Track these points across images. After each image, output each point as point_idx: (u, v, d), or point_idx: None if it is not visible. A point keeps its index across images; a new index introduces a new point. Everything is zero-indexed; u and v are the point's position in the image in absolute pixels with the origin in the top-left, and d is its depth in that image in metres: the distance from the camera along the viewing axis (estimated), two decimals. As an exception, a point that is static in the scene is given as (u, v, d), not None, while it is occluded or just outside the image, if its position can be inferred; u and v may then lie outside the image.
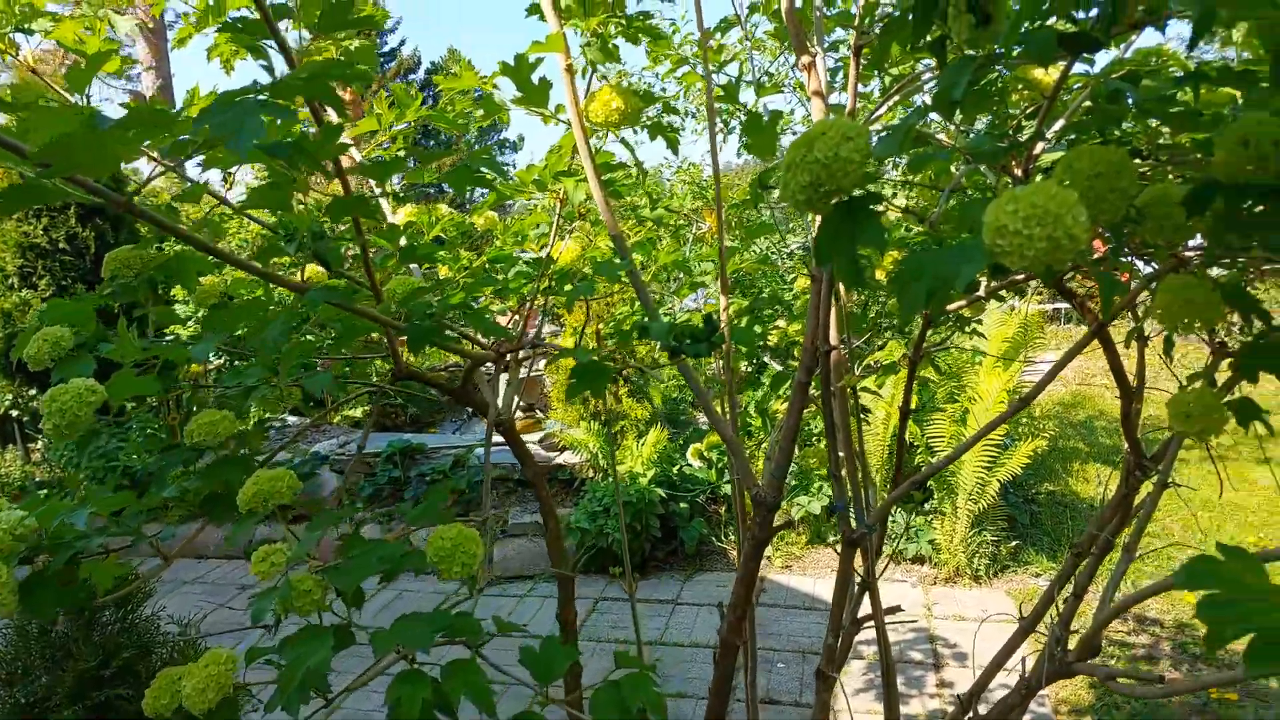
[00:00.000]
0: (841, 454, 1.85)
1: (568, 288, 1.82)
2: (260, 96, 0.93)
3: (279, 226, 1.33)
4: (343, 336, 1.48)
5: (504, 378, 1.85)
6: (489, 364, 1.72)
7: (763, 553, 1.72)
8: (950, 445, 5.16)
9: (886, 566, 5.26)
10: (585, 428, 5.76)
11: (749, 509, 1.86)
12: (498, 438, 1.66)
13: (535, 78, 1.69)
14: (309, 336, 1.72)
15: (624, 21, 1.69)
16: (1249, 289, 1.45)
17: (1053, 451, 6.94)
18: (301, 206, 2.43)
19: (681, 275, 2.81)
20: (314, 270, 1.97)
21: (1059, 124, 1.50)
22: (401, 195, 2.45)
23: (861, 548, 1.87)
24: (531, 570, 5.71)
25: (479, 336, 1.82)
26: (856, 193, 0.95)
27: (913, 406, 5.06)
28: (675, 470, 5.64)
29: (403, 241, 1.76)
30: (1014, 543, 5.22)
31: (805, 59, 1.63)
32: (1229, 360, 1.16)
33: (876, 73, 2.19)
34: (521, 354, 1.83)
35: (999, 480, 5.02)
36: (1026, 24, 1.03)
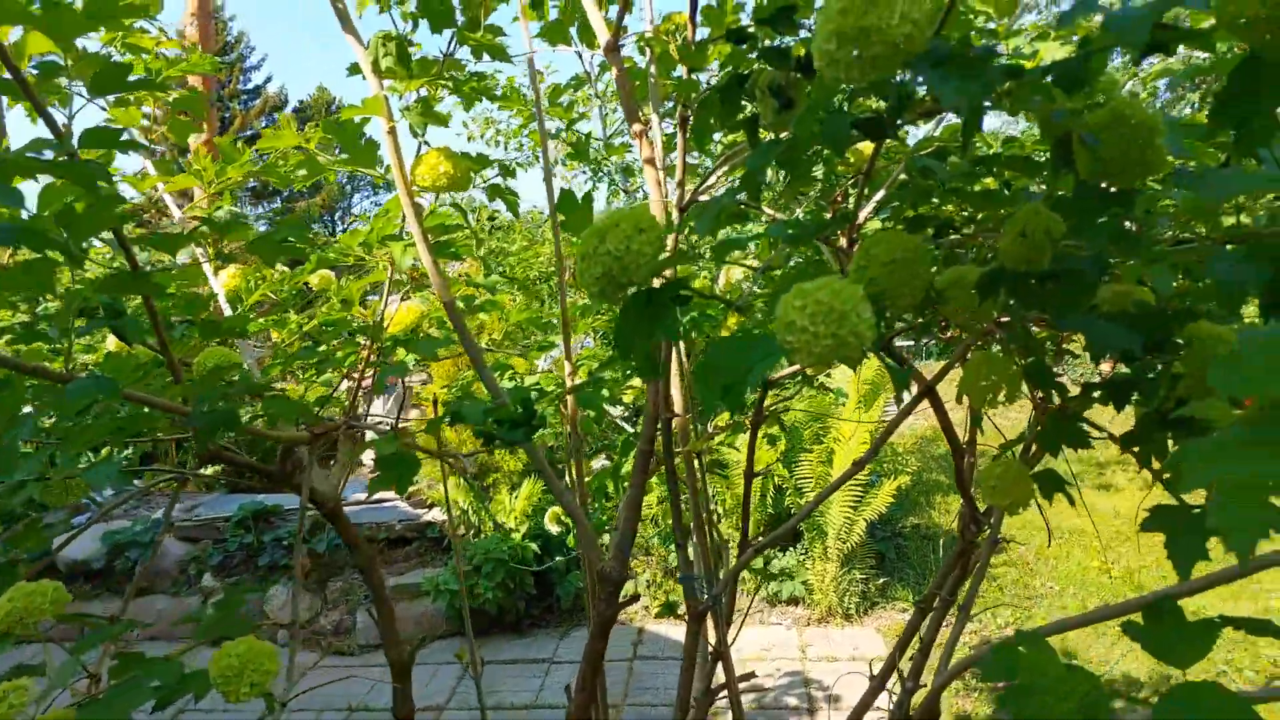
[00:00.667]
0: (705, 514, 1.82)
1: (400, 355, 1.72)
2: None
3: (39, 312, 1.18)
4: (124, 426, 1.33)
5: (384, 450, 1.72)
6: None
7: (609, 631, 1.65)
8: (818, 486, 5.28)
9: (760, 610, 5.30)
10: (455, 483, 5.56)
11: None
12: (362, 496, 1.53)
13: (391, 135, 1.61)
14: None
15: (451, 83, 1.63)
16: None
17: (916, 485, 7.23)
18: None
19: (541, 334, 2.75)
20: (118, 344, 1.79)
21: (881, 193, 1.54)
22: (228, 254, 2.28)
23: (714, 612, 1.83)
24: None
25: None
26: (658, 282, 0.92)
27: (773, 458, 5.16)
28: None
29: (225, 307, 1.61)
30: (882, 580, 5.37)
31: (637, 126, 1.62)
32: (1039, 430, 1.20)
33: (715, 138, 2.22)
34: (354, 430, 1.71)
35: (865, 519, 5.16)
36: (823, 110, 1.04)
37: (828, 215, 1.63)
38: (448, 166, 1.58)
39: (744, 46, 1.19)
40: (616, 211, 0.84)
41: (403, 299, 1.98)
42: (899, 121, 0.95)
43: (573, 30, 1.97)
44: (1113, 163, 0.94)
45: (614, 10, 1.77)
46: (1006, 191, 1.27)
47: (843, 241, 1.58)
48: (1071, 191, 1.00)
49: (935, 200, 1.45)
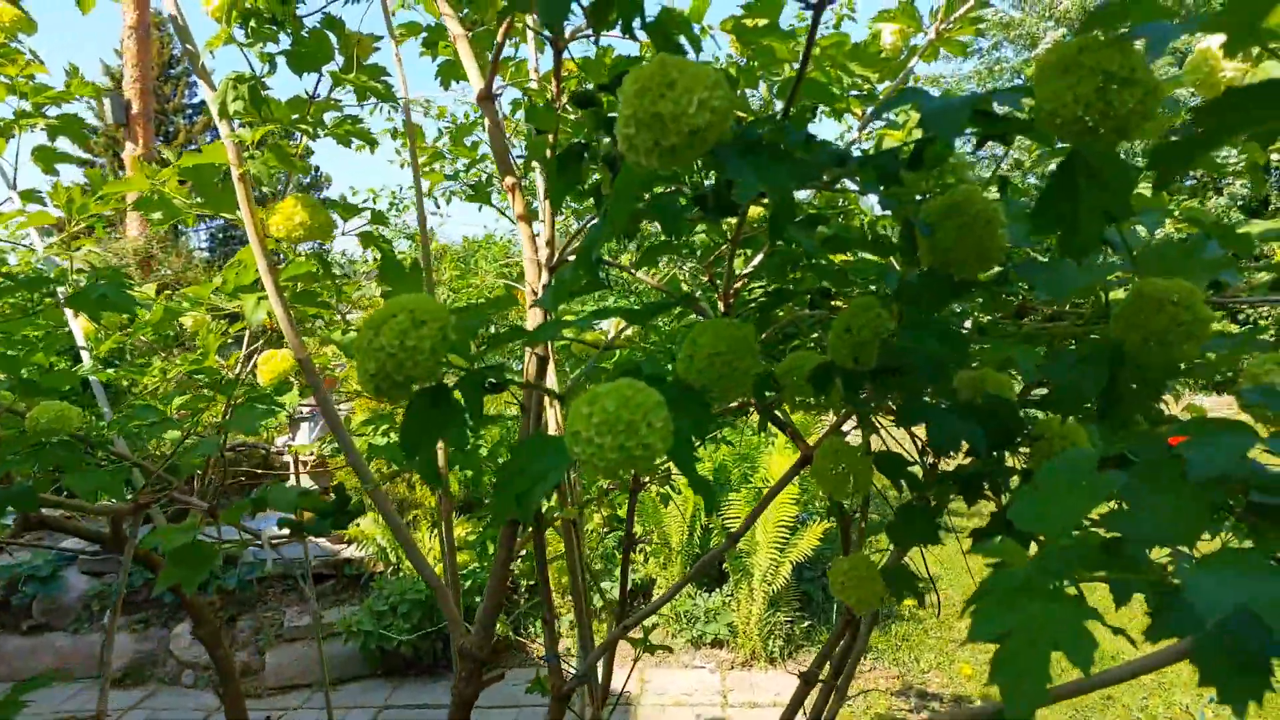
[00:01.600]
0: (582, 582, 1.73)
1: (259, 408, 1.61)
2: None
3: None
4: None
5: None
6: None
7: (470, 711, 1.55)
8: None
9: (686, 651, 5.20)
10: (372, 518, 5.36)
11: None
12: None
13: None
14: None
15: (310, 127, 1.53)
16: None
17: (848, 523, 7.21)
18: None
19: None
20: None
21: (759, 258, 1.49)
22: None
23: (590, 685, 1.74)
24: (309, 678, 5.18)
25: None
26: (452, 379, 0.83)
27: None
28: (476, 562, 5.34)
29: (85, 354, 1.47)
30: (807, 622, 5.32)
31: (509, 180, 1.54)
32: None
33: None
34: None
35: (792, 561, 5.12)
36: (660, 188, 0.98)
37: (704, 278, 1.58)
38: (304, 216, 1.48)
39: (589, 109, 1.12)
40: (396, 300, 0.76)
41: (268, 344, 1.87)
42: (733, 204, 0.89)
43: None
44: (951, 252, 0.90)
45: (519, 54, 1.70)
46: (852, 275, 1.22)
47: (721, 306, 1.52)
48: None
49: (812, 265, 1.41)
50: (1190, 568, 0.55)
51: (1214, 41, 1.41)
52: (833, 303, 1.33)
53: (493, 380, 0.89)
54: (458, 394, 0.83)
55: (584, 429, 0.70)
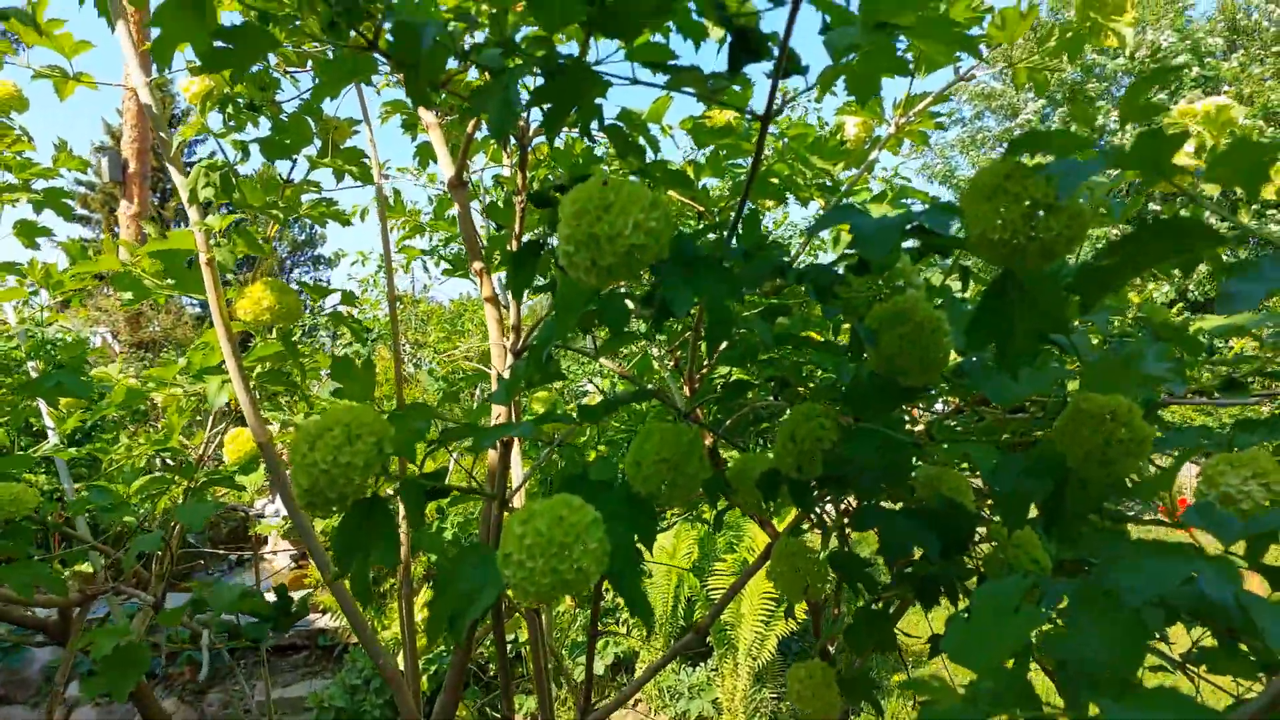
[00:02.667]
0: (546, 671, 1.68)
1: (208, 503, 1.58)
2: None
3: None
4: None
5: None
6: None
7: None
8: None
9: (669, 729, 5.05)
10: (347, 587, 5.25)
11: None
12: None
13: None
14: None
15: (281, 212, 1.55)
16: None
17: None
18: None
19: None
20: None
21: (723, 345, 1.49)
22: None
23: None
24: (279, 758, 5.01)
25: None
26: (390, 490, 0.83)
27: (686, 565, 5.02)
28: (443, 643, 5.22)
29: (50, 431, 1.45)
30: (793, 697, 5.19)
31: (477, 265, 1.56)
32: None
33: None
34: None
35: (778, 635, 5.02)
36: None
37: (670, 362, 1.58)
38: (270, 300, 1.49)
39: (545, 208, 1.13)
40: (332, 412, 0.76)
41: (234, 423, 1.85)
42: (670, 315, 0.89)
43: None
44: (895, 359, 0.90)
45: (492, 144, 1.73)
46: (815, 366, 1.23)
47: (687, 391, 1.52)
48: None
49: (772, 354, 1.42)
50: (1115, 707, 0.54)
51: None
52: (797, 390, 1.33)
53: (434, 485, 0.88)
54: (396, 502, 0.82)
55: (515, 551, 0.69)
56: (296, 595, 5.95)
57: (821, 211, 1.71)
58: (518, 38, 1.14)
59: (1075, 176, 0.59)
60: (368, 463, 0.74)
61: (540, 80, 0.88)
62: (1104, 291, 0.67)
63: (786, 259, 1.06)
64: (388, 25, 1.00)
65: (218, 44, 0.90)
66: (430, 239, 2.93)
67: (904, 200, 1.48)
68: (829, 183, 1.57)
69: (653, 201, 0.73)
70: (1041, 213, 0.69)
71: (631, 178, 1.04)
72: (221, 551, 4.81)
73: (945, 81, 1.68)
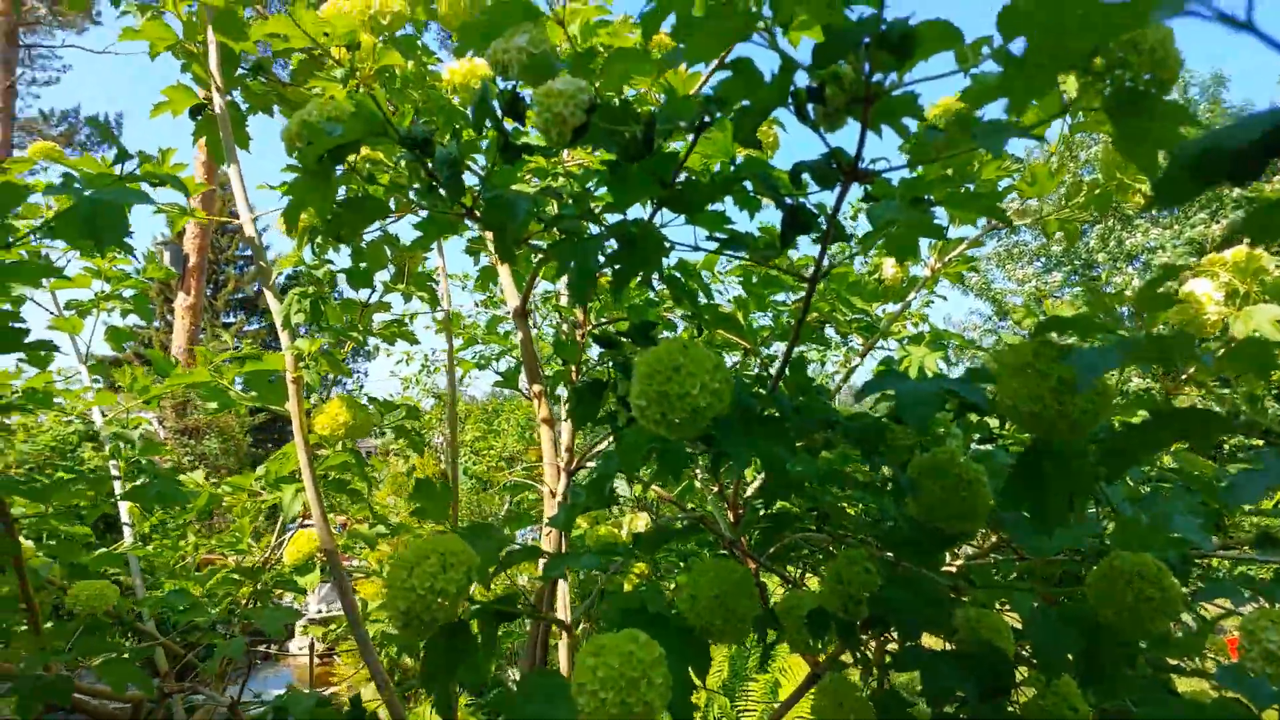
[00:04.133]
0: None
1: (286, 610, 1.66)
2: None
3: None
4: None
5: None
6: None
7: None
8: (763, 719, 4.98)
9: None
10: (371, 692, 5.20)
11: None
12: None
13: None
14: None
15: (360, 335, 1.69)
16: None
17: None
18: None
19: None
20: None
21: (757, 481, 1.57)
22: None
23: None
24: None
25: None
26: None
27: (714, 684, 4.91)
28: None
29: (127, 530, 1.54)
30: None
31: (535, 388, 1.67)
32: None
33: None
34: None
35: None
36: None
37: (714, 488, 1.65)
38: (346, 416, 1.60)
39: (609, 349, 1.25)
40: (429, 540, 0.84)
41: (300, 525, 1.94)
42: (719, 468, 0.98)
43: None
44: (936, 509, 0.97)
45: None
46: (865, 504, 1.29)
47: (730, 516, 1.59)
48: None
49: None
50: None
51: (1199, 286, 1.54)
52: (839, 523, 1.40)
53: (505, 610, 0.95)
54: (474, 625, 0.89)
55: (589, 682, 0.75)
56: (325, 691, 5.89)
57: (860, 346, 1.80)
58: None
59: (1095, 369, 0.67)
60: (460, 589, 0.82)
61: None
62: (1126, 467, 0.74)
63: (826, 398, 1.15)
64: (480, 193, 1.14)
65: (338, 211, 1.04)
66: (476, 350, 3.09)
67: (941, 343, 1.57)
68: (867, 318, 1.67)
69: (716, 365, 0.83)
70: (1068, 392, 0.77)
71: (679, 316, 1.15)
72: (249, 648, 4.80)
73: (979, 228, 1.79)
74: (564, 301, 1.96)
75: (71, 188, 1.05)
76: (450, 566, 0.84)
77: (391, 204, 1.13)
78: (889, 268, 1.79)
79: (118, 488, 2.12)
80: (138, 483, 1.32)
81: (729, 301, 1.80)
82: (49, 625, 1.29)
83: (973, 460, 0.99)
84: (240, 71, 1.85)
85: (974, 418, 1.25)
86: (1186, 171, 0.45)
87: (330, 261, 1.65)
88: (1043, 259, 19.06)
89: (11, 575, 1.46)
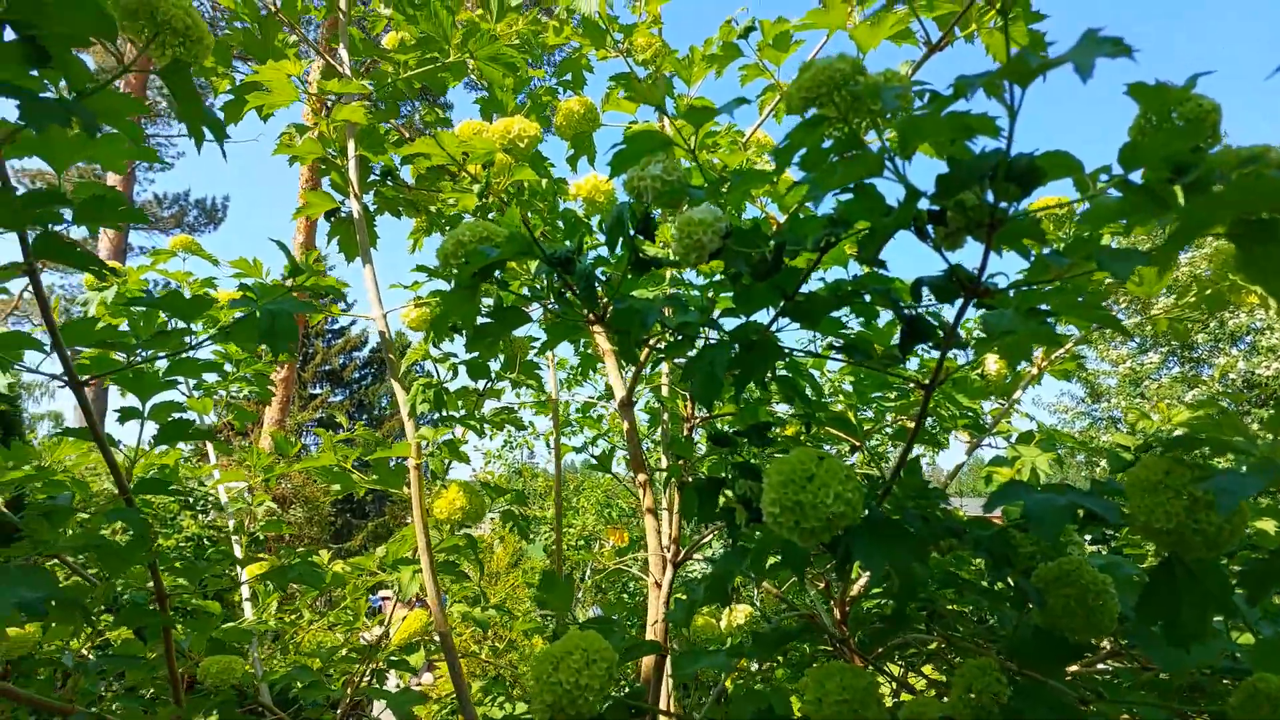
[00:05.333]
0: None
1: (414, 694, 1.72)
2: None
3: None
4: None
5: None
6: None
7: None
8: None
9: None
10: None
11: None
12: None
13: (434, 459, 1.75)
14: None
15: (477, 424, 1.78)
16: None
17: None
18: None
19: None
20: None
21: (862, 579, 1.58)
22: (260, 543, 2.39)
23: None
24: None
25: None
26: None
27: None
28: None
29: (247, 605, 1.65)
30: None
31: (641, 477, 1.72)
32: None
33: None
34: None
35: None
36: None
37: (820, 585, 1.66)
38: (463, 501, 1.69)
39: (725, 449, 1.30)
40: (572, 636, 0.90)
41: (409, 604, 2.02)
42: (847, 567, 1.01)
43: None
44: (1061, 618, 0.97)
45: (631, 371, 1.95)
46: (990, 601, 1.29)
47: (836, 613, 1.59)
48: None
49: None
50: None
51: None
52: (954, 625, 1.39)
53: (637, 704, 0.99)
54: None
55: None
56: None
57: (965, 443, 1.81)
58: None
59: (1235, 495, 0.69)
60: (602, 685, 0.87)
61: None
62: (1267, 590, 0.74)
63: (940, 499, 1.17)
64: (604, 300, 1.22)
65: (483, 321, 1.14)
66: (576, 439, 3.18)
67: (1053, 444, 1.56)
68: (973, 415, 1.68)
69: (848, 474, 0.87)
70: (1203, 510, 0.78)
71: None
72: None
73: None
74: (665, 392, 2.03)
75: (249, 300, 1.18)
76: (593, 662, 0.88)
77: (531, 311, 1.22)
78: (992, 364, 1.80)
79: (239, 556, 2.25)
80: (280, 563, 1.42)
81: (830, 393, 1.84)
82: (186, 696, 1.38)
83: (1098, 570, 0.99)
84: (372, 178, 2.03)
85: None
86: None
87: (454, 354, 1.76)
88: (1138, 338, 18.38)
89: (156, 643, 1.57)
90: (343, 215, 2.08)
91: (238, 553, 2.27)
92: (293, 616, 2.22)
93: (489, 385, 1.96)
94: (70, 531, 1.33)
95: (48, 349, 1.28)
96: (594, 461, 2.73)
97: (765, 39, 1.64)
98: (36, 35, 0.99)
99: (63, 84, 1.05)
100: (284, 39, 2.05)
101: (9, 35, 1.00)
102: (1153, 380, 16.88)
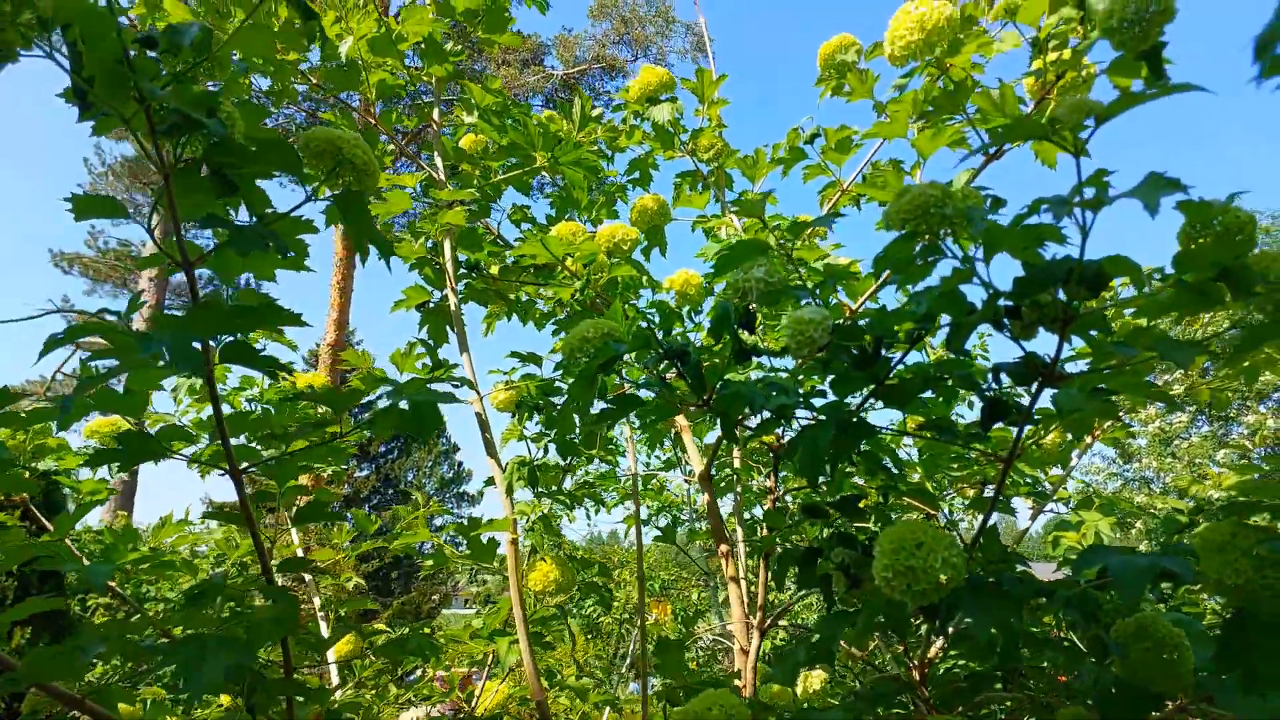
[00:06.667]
0: None
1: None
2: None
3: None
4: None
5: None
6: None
7: None
8: None
9: None
10: None
11: None
12: None
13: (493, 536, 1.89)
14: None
15: (567, 499, 1.92)
16: None
17: None
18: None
19: None
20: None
21: (939, 642, 1.67)
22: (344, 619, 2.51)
23: None
24: None
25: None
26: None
27: None
28: None
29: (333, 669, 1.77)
30: None
31: (724, 547, 1.84)
32: None
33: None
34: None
35: None
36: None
37: (899, 647, 1.75)
38: (556, 574, 1.81)
39: (817, 519, 1.42)
40: (708, 695, 1.01)
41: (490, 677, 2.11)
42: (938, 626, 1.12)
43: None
44: (1141, 670, 1.07)
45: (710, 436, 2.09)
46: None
47: (915, 675, 1.68)
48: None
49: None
50: None
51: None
52: (1034, 684, 1.48)
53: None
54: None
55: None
56: None
57: (1030, 509, 1.91)
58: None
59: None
60: (739, 737, 0.98)
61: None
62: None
63: (1023, 562, 1.28)
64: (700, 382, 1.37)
65: (604, 406, 1.29)
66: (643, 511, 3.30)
67: (1112, 508, 1.67)
68: (1035, 483, 1.79)
69: (951, 541, 1.00)
70: (1270, 569, 0.90)
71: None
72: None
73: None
74: (737, 464, 2.16)
75: (392, 394, 1.34)
76: (730, 718, 1.00)
77: (641, 394, 1.37)
78: (1049, 434, 1.92)
79: (324, 630, 2.37)
80: (395, 636, 1.54)
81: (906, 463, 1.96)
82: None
83: (1173, 625, 1.10)
84: (461, 271, 2.21)
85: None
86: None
87: (548, 434, 1.91)
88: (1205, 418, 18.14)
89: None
90: (430, 306, 2.27)
91: (324, 630, 2.39)
92: (373, 692, 2.32)
93: (571, 461, 2.10)
94: (212, 612, 1.47)
95: (205, 437, 1.45)
96: (659, 533, 2.84)
97: (829, 143, 1.82)
98: (229, 172, 1.18)
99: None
100: (382, 148, 2.27)
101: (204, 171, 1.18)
102: (1182, 440, 16.66)
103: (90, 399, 1.18)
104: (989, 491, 2.06)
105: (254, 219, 1.25)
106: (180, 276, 1.20)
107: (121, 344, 0.99)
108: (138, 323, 15.90)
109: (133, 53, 0.96)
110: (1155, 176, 0.85)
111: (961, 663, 1.64)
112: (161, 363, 0.95)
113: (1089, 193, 0.96)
